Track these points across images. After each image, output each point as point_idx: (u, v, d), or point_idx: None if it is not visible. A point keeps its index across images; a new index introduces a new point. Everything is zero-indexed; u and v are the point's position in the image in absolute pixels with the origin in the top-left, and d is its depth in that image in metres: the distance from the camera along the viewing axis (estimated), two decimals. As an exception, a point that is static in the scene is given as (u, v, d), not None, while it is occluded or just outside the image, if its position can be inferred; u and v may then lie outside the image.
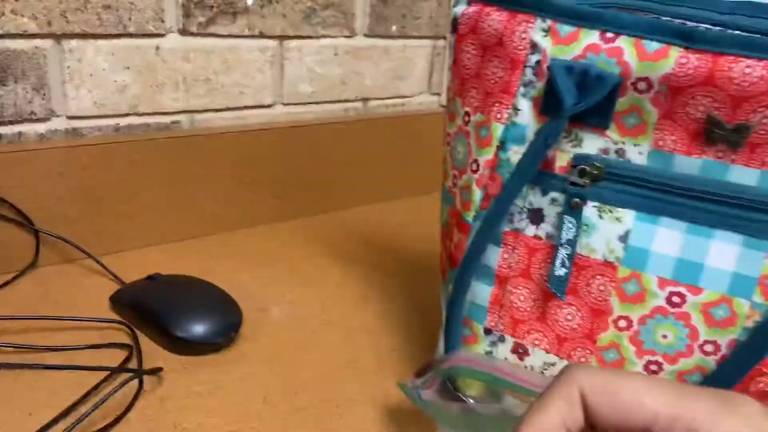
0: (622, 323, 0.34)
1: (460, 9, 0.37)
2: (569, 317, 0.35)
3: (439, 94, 0.82)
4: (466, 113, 0.38)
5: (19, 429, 0.36)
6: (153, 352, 0.44)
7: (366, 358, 0.46)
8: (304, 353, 0.46)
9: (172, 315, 0.44)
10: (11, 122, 0.51)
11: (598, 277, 0.34)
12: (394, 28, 0.73)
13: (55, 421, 0.37)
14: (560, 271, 0.34)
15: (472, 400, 0.38)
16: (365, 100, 0.74)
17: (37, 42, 0.50)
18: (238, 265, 0.57)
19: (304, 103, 0.68)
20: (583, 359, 0.36)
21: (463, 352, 0.37)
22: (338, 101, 0.71)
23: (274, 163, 0.64)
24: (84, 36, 0.52)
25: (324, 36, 0.67)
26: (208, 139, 0.59)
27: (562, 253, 0.34)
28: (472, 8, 0.37)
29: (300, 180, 0.67)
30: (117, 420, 0.37)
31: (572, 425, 0.20)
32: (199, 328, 0.44)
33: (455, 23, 0.38)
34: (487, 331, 0.38)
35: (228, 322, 0.45)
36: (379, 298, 0.54)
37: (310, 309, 0.52)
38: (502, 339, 0.38)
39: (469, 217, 0.38)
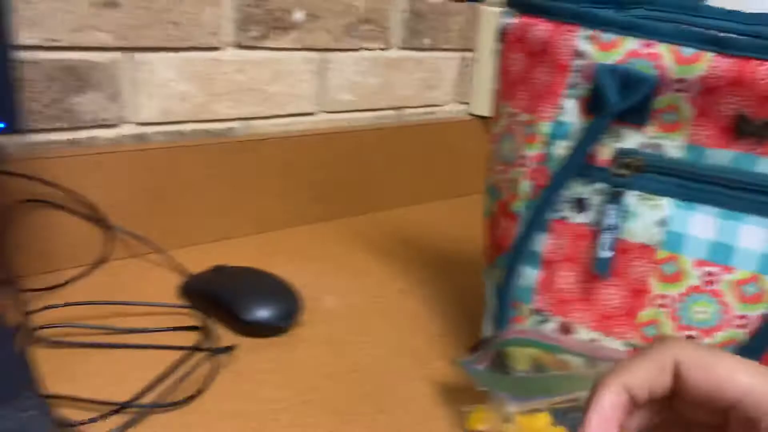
0: (661, 301, 0.38)
1: (507, 20, 0.42)
2: (611, 297, 0.39)
3: (467, 103, 0.86)
4: (514, 113, 0.42)
5: (110, 398, 0.40)
6: (222, 335, 0.48)
7: (416, 342, 0.50)
8: (358, 337, 0.50)
9: (240, 300, 0.49)
10: (87, 128, 0.56)
11: (639, 259, 0.38)
12: (426, 41, 0.77)
13: (141, 393, 0.41)
14: (604, 254, 0.39)
15: (521, 374, 0.42)
16: (399, 108, 0.78)
17: (113, 55, 0.55)
18: (289, 260, 0.62)
19: (343, 111, 0.73)
20: (625, 335, 0.40)
21: (515, 326, 0.41)
22: (374, 109, 0.76)
23: (317, 167, 0.69)
24: (154, 50, 0.57)
25: (363, 48, 0.72)
26: (259, 144, 0.64)
27: (606, 237, 0.38)
28: (519, 20, 0.41)
29: (340, 183, 0.72)
30: (199, 392, 0.41)
31: (657, 389, 0.21)
32: (264, 313, 0.48)
33: (503, 34, 0.42)
34: (535, 312, 0.42)
35: (290, 308, 0.50)
36: (420, 291, 0.59)
37: (359, 300, 0.56)
38: (548, 319, 0.42)
39: (517, 207, 0.42)
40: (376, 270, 0.61)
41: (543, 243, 0.41)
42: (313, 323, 0.51)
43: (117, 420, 0.38)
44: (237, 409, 0.40)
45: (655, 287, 0.38)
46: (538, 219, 0.40)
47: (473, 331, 0.52)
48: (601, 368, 0.40)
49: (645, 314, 0.38)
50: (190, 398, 0.41)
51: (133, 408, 0.39)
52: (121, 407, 0.39)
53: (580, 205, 0.39)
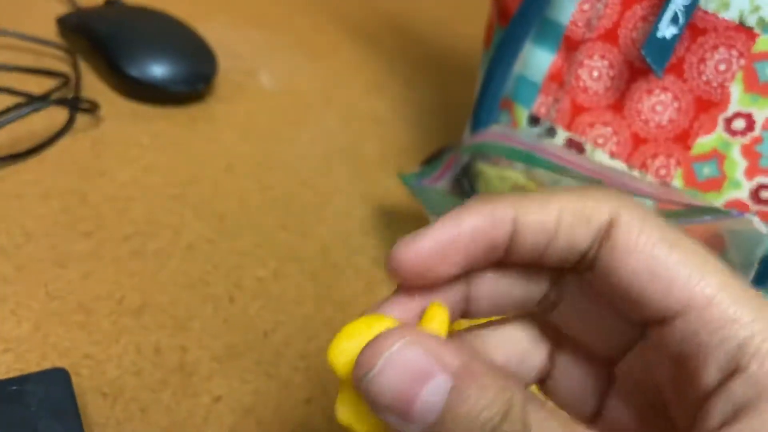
0: (739, 124, 0.22)
1: None
2: (659, 108, 0.24)
3: None
4: None
5: None
6: (99, 93, 0.34)
7: (367, 149, 0.36)
8: (290, 129, 0.35)
9: (126, 47, 0.33)
10: None
11: (722, 49, 0.22)
12: None
13: None
14: (667, 32, 0.22)
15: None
16: None
17: None
18: (229, 21, 0.45)
19: None
20: (662, 170, 0.24)
21: (501, 127, 0.26)
22: None
23: None
24: None
25: None
26: None
27: (677, 4, 0.22)
28: None
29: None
30: (29, 152, 0.28)
31: (562, 247, 0.13)
32: (157, 69, 0.33)
33: None
34: (534, 120, 0.27)
35: (196, 70, 0.34)
36: (398, 90, 0.43)
37: (309, 84, 0.41)
38: (551, 132, 0.27)
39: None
40: (348, 54, 0.45)
41: (570, 8, 0.24)
42: (232, 101, 0.36)
43: None
44: (72, 186, 0.27)
45: (737, 100, 0.22)
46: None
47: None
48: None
49: (707, 142, 0.23)
50: (10, 158, 0.27)
51: None
52: None
53: (648, -58, 0.22)
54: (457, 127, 0.39)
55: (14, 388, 0.17)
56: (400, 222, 0.31)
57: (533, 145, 0.24)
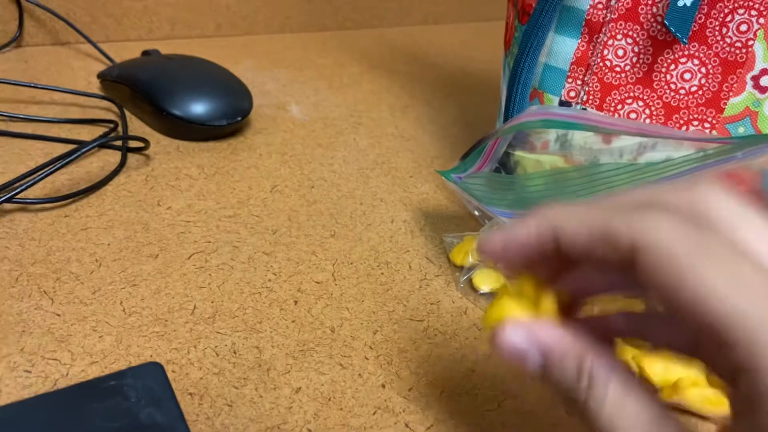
0: (767, 80, 0.23)
1: None
2: (687, 75, 0.25)
3: None
4: None
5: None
6: (145, 135, 0.36)
7: (400, 162, 0.37)
8: (325, 152, 0.37)
9: (166, 89, 0.35)
10: None
11: (741, 11, 0.23)
12: None
13: (10, 182, 0.29)
14: (685, 1, 0.23)
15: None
16: None
17: None
18: (255, 64, 0.48)
19: None
20: (697, 139, 0.25)
21: (537, 107, 0.27)
22: None
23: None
24: None
25: None
26: None
27: None
28: None
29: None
30: (87, 190, 0.29)
31: (601, 253, 0.15)
32: (198, 107, 0.35)
33: None
34: (564, 105, 0.28)
35: (234, 105, 0.36)
36: (421, 109, 0.45)
37: (338, 111, 0.42)
38: None
39: (555, -61, 0.26)
40: (370, 84, 0.48)
41: (588, -7, 0.25)
42: (269, 132, 0.38)
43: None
44: (132, 216, 0.29)
45: (762, 57, 0.23)
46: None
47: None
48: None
49: (737, 102, 0.24)
50: (71, 196, 0.28)
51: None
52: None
53: None
54: (481, 132, 0.41)
55: (113, 383, 0.18)
56: (442, 221, 0.32)
57: (573, 114, 0.25)
